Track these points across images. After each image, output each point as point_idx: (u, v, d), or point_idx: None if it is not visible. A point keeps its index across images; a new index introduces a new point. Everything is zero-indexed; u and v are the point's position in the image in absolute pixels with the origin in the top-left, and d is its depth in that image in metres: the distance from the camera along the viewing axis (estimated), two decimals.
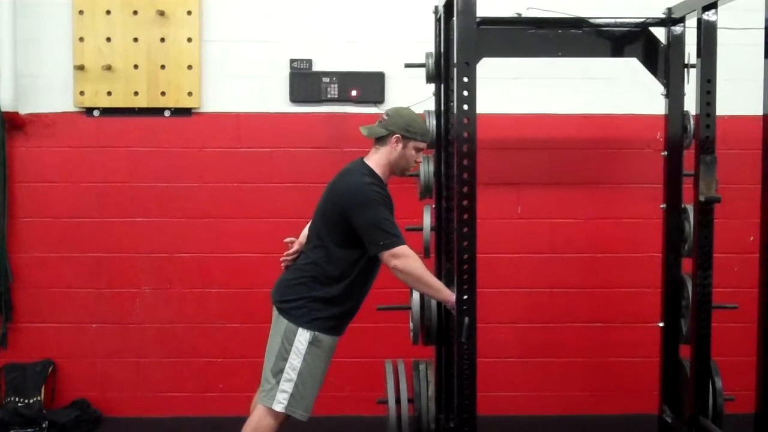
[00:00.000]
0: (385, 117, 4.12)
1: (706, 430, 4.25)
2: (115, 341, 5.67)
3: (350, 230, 3.92)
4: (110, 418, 5.65)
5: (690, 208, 4.43)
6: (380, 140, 4.10)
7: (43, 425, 5.36)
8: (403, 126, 4.05)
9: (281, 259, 4.23)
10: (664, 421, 4.70)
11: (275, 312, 4.07)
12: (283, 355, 3.96)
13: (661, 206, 4.65)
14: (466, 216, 3.53)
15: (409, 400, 4.29)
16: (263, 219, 5.61)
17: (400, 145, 4.05)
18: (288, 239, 4.26)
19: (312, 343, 3.95)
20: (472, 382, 3.60)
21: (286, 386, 3.94)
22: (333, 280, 3.99)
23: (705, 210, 4.25)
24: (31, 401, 5.43)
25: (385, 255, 3.84)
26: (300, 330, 3.95)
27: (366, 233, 3.88)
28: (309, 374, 3.96)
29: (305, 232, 4.29)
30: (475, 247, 3.55)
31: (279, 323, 4.02)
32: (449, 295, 3.80)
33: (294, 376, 3.94)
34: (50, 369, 5.58)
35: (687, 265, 4.49)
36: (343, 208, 3.95)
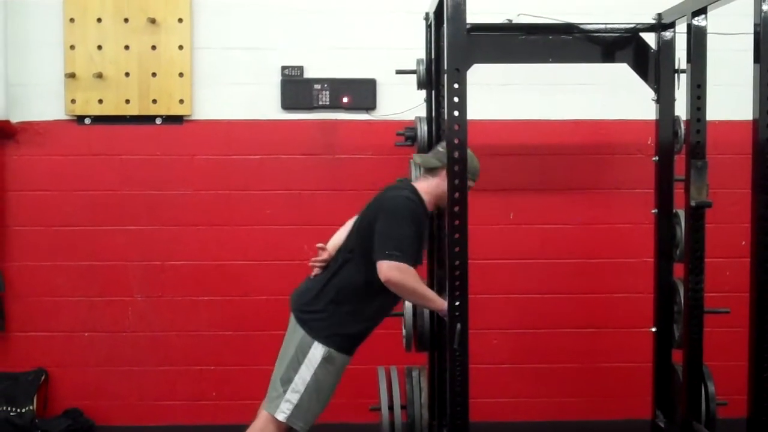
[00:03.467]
0: (440, 149, 4.05)
1: None
2: (107, 350, 5.65)
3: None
4: (103, 426, 5.64)
5: (681, 213, 4.44)
6: (431, 171, 4.05)
7: None
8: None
9: (310, 263, 4.15)
10: (657, 426, 4.71)
11: (292, 320, 4.02)
12: (295, 366, 3.92)
13: (653, 211, 4.66)
14: (457, 222, 3.53)
15: (402, 407, 4.29)
16: (255, 226, 5.60)
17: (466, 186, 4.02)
18: (319, 245, 4.15)
19: (326, 359, 3.91)
20: (465, 389, 3.60)
21: (292, 397, 3.91)
22: (359, 299, 3.94)
23: (696, 215, 4.26)
24: (24, 410, 5.41)
25: (385, 264, 3.77)
26: (316, 343, 3.91)
27: (380, 238, 3.82)
28: (316, 389, 3.92)
29: (334, 240, 4.21)
30: (466, 254, 3.55)
31: (296, 332, 3.97)
32: (442, 304, 3.77)
33: (302, 388, 3.90)
34: (42, 378, 5.56)
35: (679, 270, 4.50)
36: (375, 220, 3.90)
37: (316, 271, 4.14)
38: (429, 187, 4.04)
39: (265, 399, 4.05)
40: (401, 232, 3.82)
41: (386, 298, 3.96)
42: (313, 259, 4.14)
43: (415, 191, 4.02)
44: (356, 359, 5.37)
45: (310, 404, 3.94)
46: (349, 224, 4.18)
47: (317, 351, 3.91)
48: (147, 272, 5.63)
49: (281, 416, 3.92)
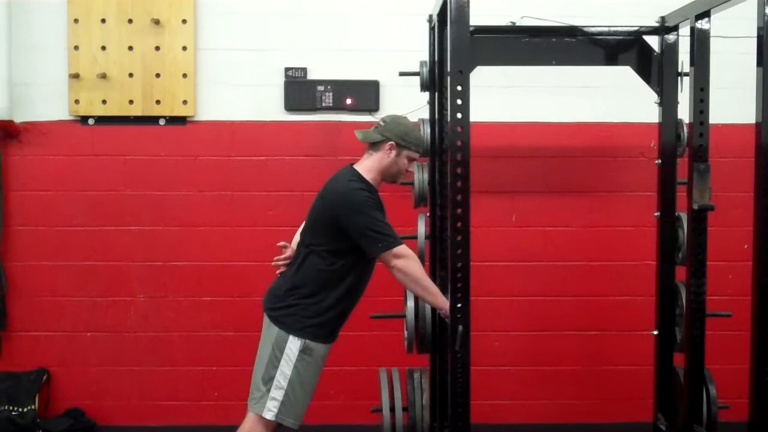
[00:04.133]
0: (381, 123, 4.11)
1: None
2: (109, 350, 5.66)
3: (341, 237, 3.91)
4: (105, 426, 5.64)
5: (684, 216, 4.44)
6: (374, 146, 4.09)
7: None
8: (399, 134, 4.05)
9: (273, 263, 4.22)
10: (658, 429, 4.71)
11: (266, 319, 4.06)
12: (274, 363, 3.95)
13: (655, 214, 4.66)
14: (459, 224, 3.54)
15: (404, 409, 4.30)
16: (258, 227, 5.60)
17: (394, 153, 4.05)
18: (281, 243, 4.24)
19: (303, 351, 3.94)
20: (466, 390, 3.60)
21: (277, 394, 3.93)
22: (324, 287, 3.98)
23: (699, 218, 4.26)
24: (25, 410, 5.41)
25: (386, 256, 3.84)
26: (291, 338, 3.94)
27: (362, 238, 3.88)
28: (300, 382, 3.95)
29: (297, 237, 4.28)
30: (468, 255, 3.56)
31: (270, 330, 4.01)
32: (444, 302, 3.79)
33: (284, 384, 3.93)
34: (44, 378, 5.57)
35: (681, 273, 4.51)
36: (334, 215, 3.94)
37: (281, 269, 4.19)
38: (372, 163, 4.08)
39: (249, 401, 4.06)
40: (375, 220, 3.88)
41: (353, 282, 4.02)
42: (276, 257, 4.21)
43: (359, 176, 4.05)
44: (358, 361, 5.40)
45: (296, 399, 3.95)
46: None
47: (294, 344, 3.94)
48: (149, 272, 5.63)
49: (269, 415, 3.93)
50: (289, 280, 4.05)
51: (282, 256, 4.21)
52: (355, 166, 4.11)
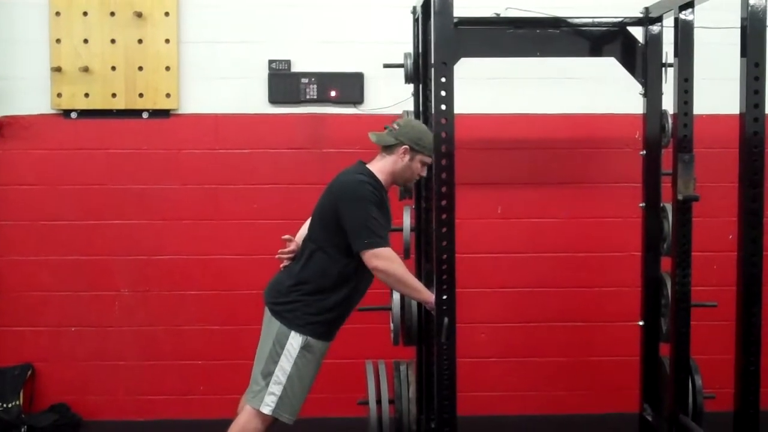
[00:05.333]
0: (395, 126, 4.09)
1: (686, 428, 4.27)
2: (94, 344, 5.64)
3: (344, 232, 3.90)
4: (90, 421, 5.63)
5: (669, 206, 4.45)
6: (387, 149, 4.08)
7: (22, 430, 5.32)
8: (413, 138, 4.03)
9: (277, 256, 4.19)
10: (644, 419, 4.72)
11: (267, 313, 4.05)
12: (274, 358, 3.94)
13: (640, 205, 4.67)
14: (444, 216, 3.52)
15: (390, 401, 4.29)
16: (242, 221, 5.59)
17: (407, 157, 4.03)
18: (285, 237, 4.20)
19: (304, 347, 3.93)
20: (452, 383, 3.60)
21: (275, 389, 3.93)
22: (329, 284, 3.97)
23: (683, 209, 4.27)
24: (10, 406, 5.39)
25: (367, 254, 3.83)
26: (292, 333, 3.93)
27: (351, 229, 3.87)
28: (298, 378, 3.94)
29: (303, 230, 4.25)
30: (454, 248, 3.55)
31: (271, 325, 4.00)
32: (429, 296, 3.79)
33: (283, 379, 3.92)
34: (29, 373, 5.54)
35: (666, 263, 4.51)
36: (336, 207, 3.93)
37: (285, 262, 4.17)
38: (385, 165, 4.07)
39: (247, 394, 4.07)
40: (368, 216, 3.86)
41: (357, 282, 4.02)
42: (281, 250, 4.18)
43: (369, 173, 4.04)
44: (344, 353, 5.37)
45: (293, 394, 3.95)
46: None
47: (295, 340, 3.93)
48: (134, 267, 5.61)
49: (266, 409, 3.93)
50: (294, 276, 4.04)
51: (286, 250, 4.18)
52: (368, 165, 4.10)
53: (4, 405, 5.39)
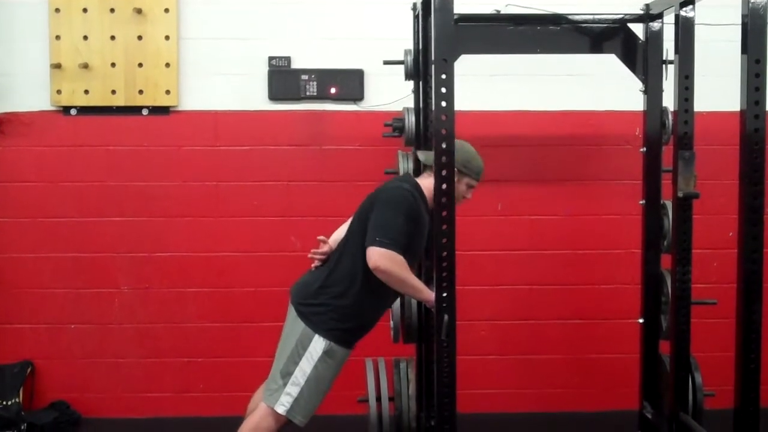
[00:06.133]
0: None
1: (686, 426, 4.27)
2: (94, 342, 5.64)
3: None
4: (90, 419, 5.62)
5: (669, 204, 4.44)
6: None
7: (22, 427, 5.32)
8: (462, 161, 3.99)
9: (310, 255, 4.14)
10: (644, 417, 4.72)
11: (293, 312, 4.01)
12: (295, 359, 3.91)
13: (641, 202, 4.66)
14: (445, 213, 3.52)
15: (390, 399, 4.29)
16: (242, 217, 5.59)
17: (455, 179, 4.03)
18: (321, 237, 4.15)
19: (326, 352, 3.91)
20: (452, 380, 3.59)
21: (292, 390, 3.90)
22: (356, 290, 3.93)
23: (684, 206, 4.26)
24: (10, 403, 5.38)
25: (372, 250, 3.78)
26: (317, 337, 3.90)
27: (371, 226, 3.84)
28: (316, 382, 3.92)
29: (336, 234, 4.21)
30: (454, 245, 3.54)
31: (296, 325, 3.96)
32: (430, 295, 3.77)
33: (302, 381, 3.90)
34: (29, 370, 5.54)
35: (666, 261, 4.51)
36: (370, 210, 3.91)
37: (316, 263, 4.13)
38: (431, 185, 4.03)
39: (264, 391, 4.03)
40: (393, 221, 3.82)
41: (387, 291, 3.96)
42: (314, 251, 4.14)
43: (417, 186, 4.02)
44: None
45: (309, 397, 3.93)
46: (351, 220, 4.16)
47: (318, 344, 3.90)
48: (133, 264, 5.61)
49: (281, 409, 3.90)
50: (323, 278, 4.00)
51: (319, 251, 4.13)
52: (418, 180, 4.07)
53: (4, 402, 5.38)
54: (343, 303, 3.93)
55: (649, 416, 4.66)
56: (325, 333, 3.91)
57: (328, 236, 4.20)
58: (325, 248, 4.13)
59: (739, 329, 3.66)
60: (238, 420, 4.09)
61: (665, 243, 4.53)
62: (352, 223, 4.07)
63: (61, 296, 5.61)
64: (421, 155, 4.14)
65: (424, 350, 4.43)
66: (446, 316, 3.55)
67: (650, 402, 4.68)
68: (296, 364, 3.91)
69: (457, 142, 4.07)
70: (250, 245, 5.58)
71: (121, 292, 5.62)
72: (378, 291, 3.94)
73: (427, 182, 4.02)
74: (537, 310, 5.70)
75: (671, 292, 4.37)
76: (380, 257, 3.77)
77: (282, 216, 5.57)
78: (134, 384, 5.67)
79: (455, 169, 3.95)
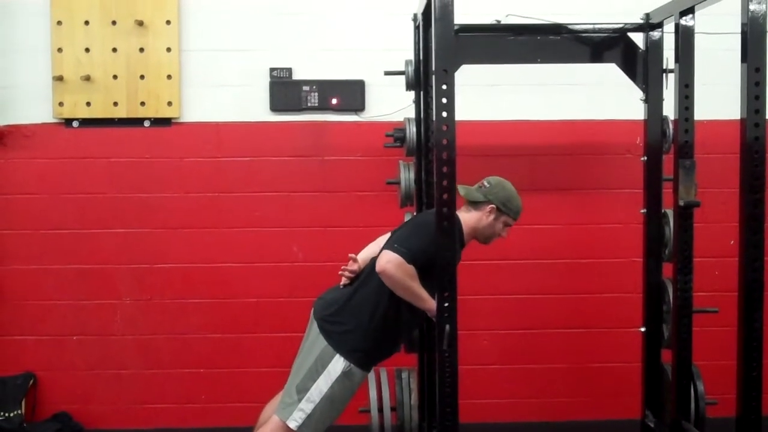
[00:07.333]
0: (486, 184, 4.11)
1: None
2: (96, 353, 5.63)
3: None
4: (92, 430, 5.62)
5: (670, 212, 4.44)
6: (474, 204, 4.09)
7: None
8: (502, 199, 4.05)
9: (340, 272, 4.13)
10: (646, 425, 4.71)
11: (315, 327, 3.99)
12: (313, 376, 3.91)
13: (642, 211, 4.67)
14: (446, 223, 3.52)
15: (392, 409, 4.29)
16: (244, 228, 5.59)
17: (492, 216, 4.05)
18: (352, 255, 4.14)
19: (345, 373, 3.90)
20: (454, 390, 3.59)
21: (306, 406, 3.90)
22: (386, 315, 3.93)
23: (685, 214, 4.27)
24: (12, 415, 5.39)
25: (385, 253, 3.80)
26: (338, 356, 3.90)
27: (395, 236, 3.89)
28: (331, 402, 3.91)
29: (365, 252, 4.20)
30: (454, 256, 3.54)
31: (317, 341, 3.95)
32: (432, 305, 3.75)
33: (317, 399, 3.89)
34: (31, 382, 5.54)
35: (667, 269, 4.50)
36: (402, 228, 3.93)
37: (344, 281, 4.12)
38: (470, 219, 4.07)
39: (279, 404, 4.02)
40: (416, 238, 3.84)
41: (413, 315, 3.96)
42: (344, 267, 4.13)
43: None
44: None
45: (322, 416, 3.92)
46: (382, 239, 4.14)
47: (338, 364, 3.90)
48: (136, 275, 5.61)
49: (293, 424, 3.90)
50: (350, 298, 4.00)
51: (348, 268, 4.11)
52: (458, 213, 4.02)
53: (6, 414, 5.38)
54: (369, 326, 3.93)
55: (651, 425, 4.66)
56: (346, 354, 3.90)
57: (348, 251, 4.19)
58: (354, 266, 4.12)
59: (740, 337, 3.65)
60: (240, 431, 4.09)
61: (666, 252, 4.54)
62: (383, 245, 4.02)
63: (63, 308, 5.61)
64: (461, 190, 4.11)
65: (425, 360, 4.43)
66: (448, 326, 3.54)
67: (652, 411, 4.68)
68: (314, 381, 3.90)
69: (498, 180, 4.11)
70: (252, 256, 5.58)
71: (123, 304, 5.62)
72: (403, 316, 3.94)
73: (466, 216, 4.06)
74: (538, 319, 5.70)
75: (673, 301, 4.37)
76: (388, 261, 3.79)
77: (284, 227, 5.57)
78: (137, 395, 5.66)
79: (494, 207, 3.98)
